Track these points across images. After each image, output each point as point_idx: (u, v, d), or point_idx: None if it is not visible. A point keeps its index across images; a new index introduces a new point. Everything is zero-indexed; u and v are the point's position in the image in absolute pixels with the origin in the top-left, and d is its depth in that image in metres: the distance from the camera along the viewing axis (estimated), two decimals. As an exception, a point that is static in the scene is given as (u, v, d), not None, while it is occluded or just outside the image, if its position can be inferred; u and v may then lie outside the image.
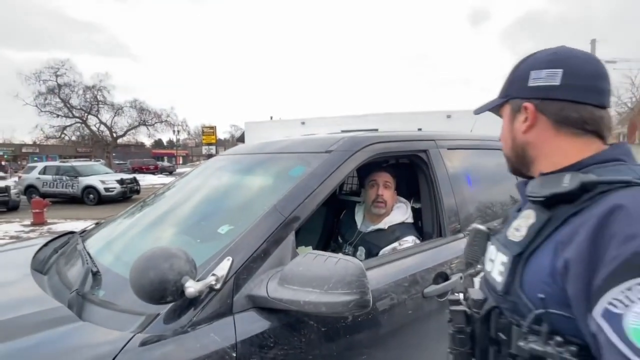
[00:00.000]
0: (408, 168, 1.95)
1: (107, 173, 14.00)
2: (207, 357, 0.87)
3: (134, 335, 0.87)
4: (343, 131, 2.05)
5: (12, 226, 8.55)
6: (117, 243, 1.43)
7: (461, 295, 0.78)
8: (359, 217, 1.79)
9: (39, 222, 8.64)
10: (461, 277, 1.45)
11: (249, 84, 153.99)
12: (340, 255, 0.96)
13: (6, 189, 11.20)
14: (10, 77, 26.67)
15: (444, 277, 1.41)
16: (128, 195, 13.23)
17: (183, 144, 61.28)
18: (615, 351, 0.45)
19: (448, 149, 1.75)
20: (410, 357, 1.31)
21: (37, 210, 8.70)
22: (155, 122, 26.66)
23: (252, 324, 0.97)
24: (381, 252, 1.57)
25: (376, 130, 2.51)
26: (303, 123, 20.39)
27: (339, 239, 1.82)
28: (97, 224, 1.96)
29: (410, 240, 1.56)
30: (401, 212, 1.70)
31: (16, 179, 15.53)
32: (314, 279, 0.92)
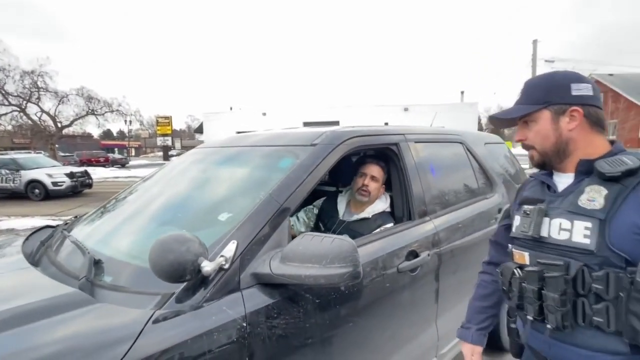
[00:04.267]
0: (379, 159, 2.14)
1: (53, 166, 13.03)
2: (223, 326, 1.00)
3: (154, 312, 0.96)
4: (305, 123, 2.19)
5: (-55, 225, 7.78)
6: (116, 233, 1.47)
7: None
8: (341, 206, 1.94)
9: (-22, 220, 7.93)
10: (428, 255, 1.67)
11: (206, 73, 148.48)
12: (334, 235, 1.11)
13: None
14: None
15: (414, 254, 1.62)
16: (79, 189, 12.45)
17: (135, 135, 57.98)
18: None
19: (415, 142, 1.96)
20: (387, 323, 1.51)
21: (-25, 207, 7.97)
22: (106, 112, 25.05)
23: (257, 298, 1.10)
24: None
25: (337, 122, 2.67)
26: (264, 114, 20.19)
27: (321, 227, 1.96)
28: (76, 217, 1.96)
29: (388, 227, 1.74)
30: (382, 202, 1.88)
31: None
32: (313, 256, 1.06)
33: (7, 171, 11.92)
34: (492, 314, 1.21)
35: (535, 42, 20.50)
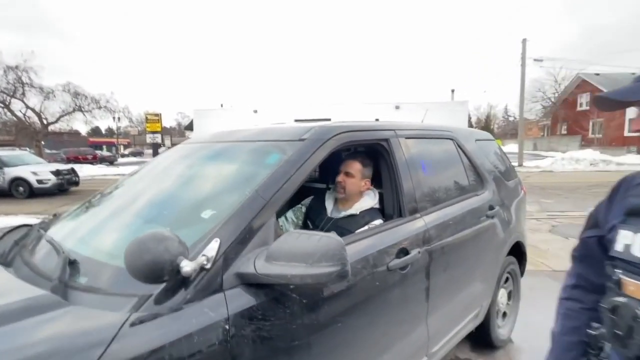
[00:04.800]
0: (370, 155, 2.11)
1: (39, 163, 12.73)
2: (205, 329, 0.95)
3: (130, 314, 0.91)
4: (296, 120, 2.14)
5: None
6: (94, 232, 1.40)
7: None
8: (329, 204, 1.90)
9: (-41, 218, 7.70)
10: (419, 252, 1.64)
11: (197, 70, 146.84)
12: (321, 233, 1.07)
13: None
14: None
15: (405, 252, 1.59)
16: (65, 187, 12.18)
17: (124, 132, 57.12)
18: None
19: (406, 138, 1.93)
20: (377, 322, 1.47)
21: (-44, 206, 7.74)
22: (93, 108, 24.55)
23: (241, 299, 1.05)
24: None
25: (329, 119, 2.64)
26: (255, 111, 20.00)
27: (309, 224, 1.92)
28: (54, 215, 1.88)
29: (377, 224, 1.71)
30: (370, 198, 1.85)
31: None
32: (299, 254, 1.02)
33: (-10, 169, 11.62)
34: (584, 350, 0.94)
35: (524, 41, 20.70)
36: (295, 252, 1.03)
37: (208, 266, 1.02)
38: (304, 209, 2.01)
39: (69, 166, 13.41)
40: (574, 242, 1.02)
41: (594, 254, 0.89)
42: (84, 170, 19.59)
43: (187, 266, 0.93)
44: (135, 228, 1.32)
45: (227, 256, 1.07)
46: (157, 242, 0.92)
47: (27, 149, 22.27)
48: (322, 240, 1.03)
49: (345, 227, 1.75)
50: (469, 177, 2.38)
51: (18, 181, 11.45)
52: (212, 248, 1.05)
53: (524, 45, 20.68)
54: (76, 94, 23.76)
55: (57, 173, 11.90)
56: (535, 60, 21.73)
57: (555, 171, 17.07)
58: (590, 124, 29.95)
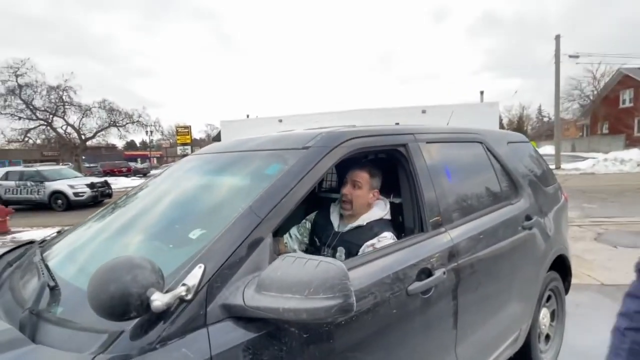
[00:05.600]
0: (386, 163, 1.92)
1: (76, 177, 13.38)
2: (179, 375, 0.80)
3: (94, 357, 0.78)
4: (320, 128, 1.99)
5: (-29, 237, 8.01)
6: (80, 252, 1.31)
7: None
8: (334, 217, 1.73)
9: (1, 231, 8.14)
10: (444, 272, 1.43)
11: (224, 82, 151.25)
12: (320, 257, 0.90)
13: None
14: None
15: (427, 272, 1.39)
16: (99, 199, 12.71)
17: (157, 145, 59.48)
18: None
19: (427, 142, 1.73)
20: (396, 357, 1.27)
21: (-2, 219, 8.19)
22: (127, 123, 25.73)
23: (228, 335, 0.90)
24: (360, 250, 1.53)
25: (354, 126, 2.47)
26: (280, 121, 20.13)
27: (316, 241, 1.76)
28: (59, 232, 1.82)
29: (388, 237, 1.52)
30: (380, 209, 1.66)
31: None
32: (293, 284, 0.86)
33: (33, 183, 12.32)
34: None
35: (558, 37, 19.68)
36: (289, 281, 0.87)
37: (188, 297, 0.87)
38: (308, 225, 1.84)
39: (102, 179, 14.01)
40: (636, 252, 0.81)
41: None
42: (119, 182, 20.45)
43: (157, 300, 0.79)
44: (119, 249, 1.21)
45: (212, 285, 0.92)
46: (124, 271, 0.79)
47: (69, 163, 23.61)
48: (321, 266, 0.86)
49: (351, 240, 1.58)
50: (501, 184, 2.13)
51: (57, 194, 12.06)
52: (195, 275, 0.90)
53: (557, 41, 19.65)
54: (111, 110, 25.02)
55: (91, 186, 12.44)
56: (570, 56, 20.57)
57: (597, 173, 15.94)
58: (636, 121, 27.94)
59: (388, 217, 1.65)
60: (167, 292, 0.84)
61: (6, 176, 12.76)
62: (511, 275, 1.90)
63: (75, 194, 11.99)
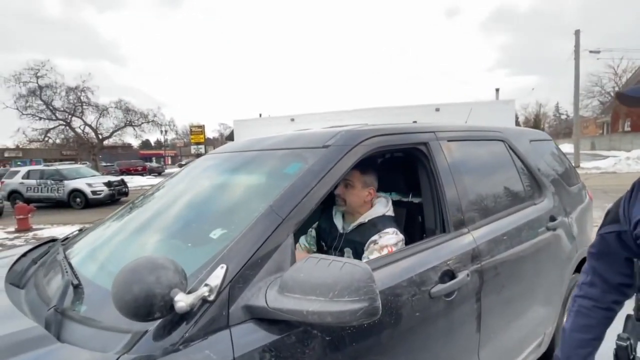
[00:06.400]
0: (403, 162, 1.89)
1: (93, 176, 13.68)
2: (202, 377, 0.79)
3: (118, 358, 0.78)
4: (337, 127, 1.97)
5: (-5, 233, 8.28)
6: (101, 251, 1.32)
7: None
8: (337, 219, 1.73)
9: (23, 228, 8.39)
10: (468, 275, 1.39)
11: (236, 81, 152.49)
12: (344, 258, 0.88)
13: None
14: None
15: (450, 274, 1.35)
16: (116, 197, 12.97)
17: (171, 144, 60.38)
18: None
19: (448, 140, 1.69)
20: (418, 359, 1.24)
21: (21, 216, 8.44)
22: (142, 123, 26.13)
23: (250, 336, 0.88)
24: (364, 248, 1.52)
25: (366, 124, 2.44)
26: (292, 119, 20.14)
27: (323, 246, 1.74)
28: (80, 230, 1.85)
29: (390, 232, 1.50)
30: (382, 206, 1.65)
31: (-1, 184, 15.09)
32: (317, 286, 0.84)
33: (52, 181, 12.66)
34: (595, 347, 0.97)
35: (577, 32, 19.14)
36: (312, 283, 0.85)
37: (211, 298, 0.86)
38: (314, 233, 1.84)
39: (119, 177, 14.29)
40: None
41: (613, 250, 0.90)
42: (135, 181, 20.84)
43: (181, 301, 0.78)
44: (140, 248, 1.21)
45: (234, 285, 0.91)
46: (148, 272, 0.78)
47: (87, 162, 24.18)
48: (345, 268, 0.84)
49: (355, 239, 1.58)
50: (524, 183, 2.07)
51: (75, 192, 12.35)
52: (217, 276, 0.89)
53: (577, 36, 19.11)
54: (127, 110, 25.45)
55: (109, 184, 12.70)
56: (591, 52, 19.97)
57: (619, 172, 15.43)
58: (660, 118, 26.99)
59: (390, 213, 1.64)
60: (189, 292, 0.83)
61: (27, 175, 13.14)
62: (535, 277, 1.85)
63: (93, 192, 12.26)
